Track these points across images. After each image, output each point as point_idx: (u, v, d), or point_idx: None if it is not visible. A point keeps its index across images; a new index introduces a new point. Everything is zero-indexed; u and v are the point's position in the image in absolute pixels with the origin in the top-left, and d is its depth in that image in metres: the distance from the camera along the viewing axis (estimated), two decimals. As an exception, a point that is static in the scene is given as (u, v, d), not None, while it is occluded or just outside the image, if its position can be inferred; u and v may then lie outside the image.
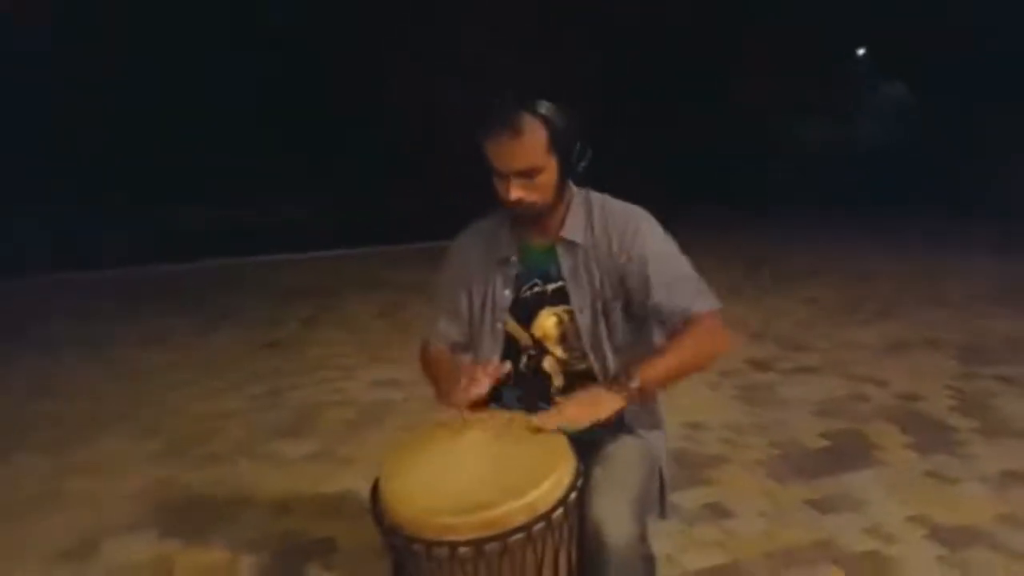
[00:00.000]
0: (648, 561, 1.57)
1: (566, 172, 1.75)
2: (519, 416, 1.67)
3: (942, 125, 14.30)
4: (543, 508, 1.42)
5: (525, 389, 1.89)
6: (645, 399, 1.71)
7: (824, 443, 3.52)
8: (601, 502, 1.55)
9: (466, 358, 1.96)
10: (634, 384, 1.63)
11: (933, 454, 3.34)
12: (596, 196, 1.85)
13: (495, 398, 1.87)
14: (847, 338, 5.22)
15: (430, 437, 1.67)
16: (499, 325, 1.87)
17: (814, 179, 13.72)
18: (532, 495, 1.42)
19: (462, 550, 1.37)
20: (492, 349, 1.89)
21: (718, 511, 2.89)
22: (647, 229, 1.79)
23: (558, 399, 1.80)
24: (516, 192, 1.71)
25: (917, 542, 2.64)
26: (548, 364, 1.87)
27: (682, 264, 1.80)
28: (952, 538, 2.65)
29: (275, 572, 2.60)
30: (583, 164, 1.76)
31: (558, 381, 1.87)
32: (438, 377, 1.86)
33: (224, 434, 3.86)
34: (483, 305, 1.89)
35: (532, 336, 1.87)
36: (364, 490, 3.14)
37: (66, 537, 2.88)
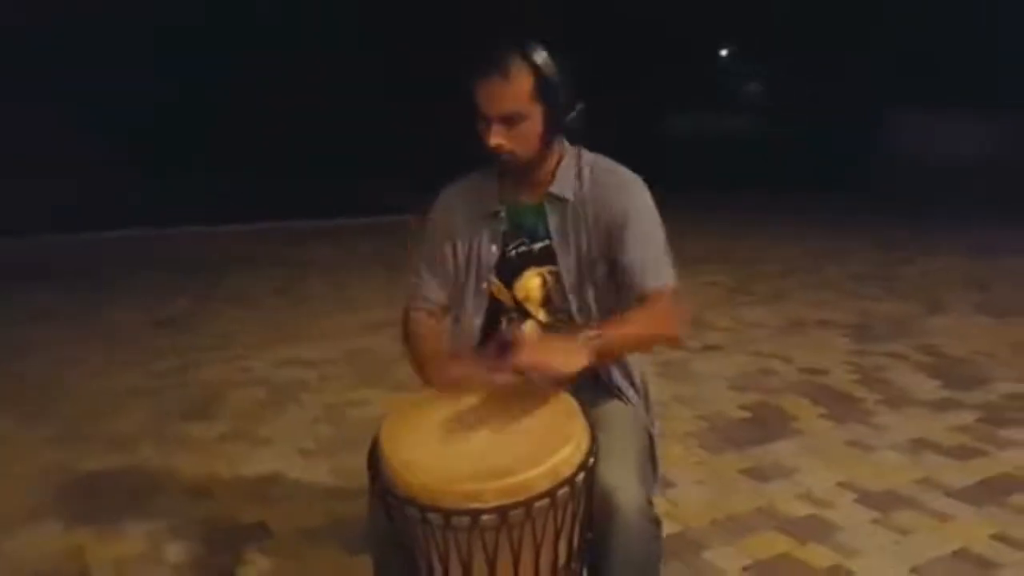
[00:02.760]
0: (657, 524, 1.52)
1: (552, 124, 1.66)
2: (523, 383, 1.56)
3: (795, 119, 15.29)
4: (566, 473, 1.34)
5: (503, 356, 1.79)
6: (603, 359, 1.60)
7: (745, 414, 3.61)
8: (609, 468, 1.48)
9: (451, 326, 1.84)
10: (596, 343, 1.51)
11: (847, 423, 3.49)
12: (588, 154, 1.78)
13: None
14: (746, 319, 5.40)
15: (427, 404, 1.55)
16: (484, 285, 1.77)
17: (695, 169, 14.25)
18: (554, 460, 1.33)
19: (485, 518, 1.28)
20: (475, 310, 1.78)
21: (660, 481, 2.89)
22: (635, 190, 1.73)
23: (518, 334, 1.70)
24: (496, 138, 1.62)
25: (850, 506, 2.74)
26: (529, 327, 1.77)
27: (657, 232, 1.73)
28: (881, 502, 2.76)
29: (206, 560, 2.39)
30: (571, 117, 1.67)
31: None
32: (430, 359, 1.73)
33: (124, 415, 3.55)
34: (468, 261, 1.78)
35: (514, 297, 1.77)
36: (289, 472, 3.01)
37: (-46, 530, 2.55)
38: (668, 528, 2.52)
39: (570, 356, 1.47)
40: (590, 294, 1.74)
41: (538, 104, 1.61)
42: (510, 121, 1.61)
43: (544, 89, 1.60)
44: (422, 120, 12.29)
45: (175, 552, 2.42)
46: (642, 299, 1.66)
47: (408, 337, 1.82)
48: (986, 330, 5.02)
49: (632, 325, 1.63)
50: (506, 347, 1.57)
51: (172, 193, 10.78)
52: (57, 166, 10.66)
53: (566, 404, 1.49)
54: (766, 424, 3.48)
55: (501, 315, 1.80)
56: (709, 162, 14.91)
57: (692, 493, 2.82)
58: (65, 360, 4.36)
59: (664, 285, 1.67)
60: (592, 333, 1.53)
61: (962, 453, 3.17)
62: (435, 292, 1.83)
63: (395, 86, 13.39)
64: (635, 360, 1.82)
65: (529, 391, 1.50)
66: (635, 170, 1.78)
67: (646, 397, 1.84)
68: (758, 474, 2.98)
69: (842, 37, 14.53)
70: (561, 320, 1.77)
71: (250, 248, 8.07)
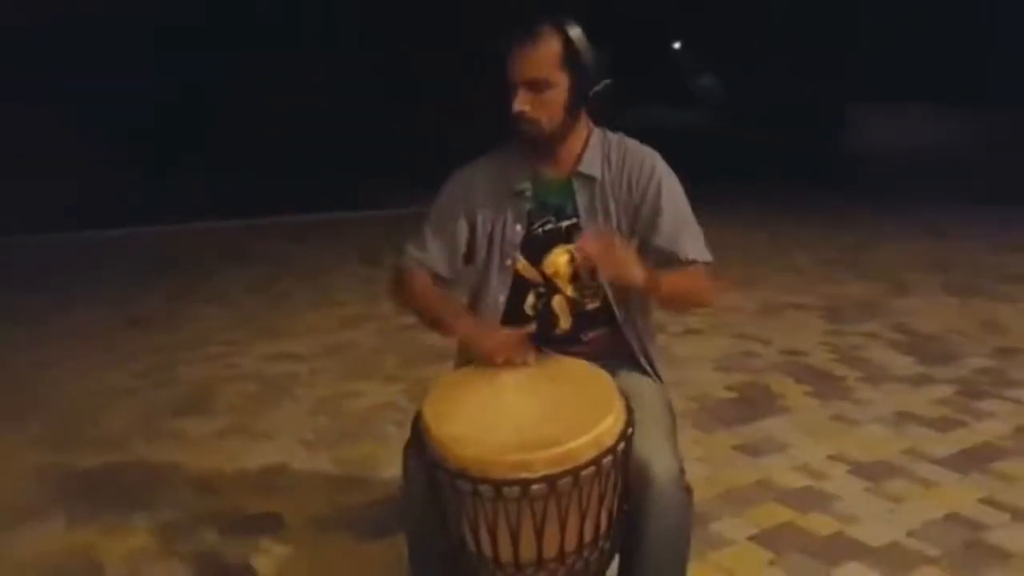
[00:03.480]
0: (689, 492, 1.58)
1: (577, 95, 1.70)
2: (551, 357, 1.62)
3: (749, 109, 15.56)
4: (609, 442, 1.39)
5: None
6: (651, 291, 1.68)
7: (732, 395, 3.70)
8: (645, 440, 1.53)
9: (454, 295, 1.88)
10: (653, 274, 1.63)
11: (831, 400, 3.59)
12: (611, 134, 1.83)
13: None
14: (722, 302, 5.49)
15: (464, 381, 1.59)
16: (508, 262, 1.80)
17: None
18: (598, 430, 1.38)
19: (535, 487, 1.32)
20: (500, 286, 1.81)
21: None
22: (662, 169, 1.79)
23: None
24: (521, 103, 1.66)
25: (843, 477, 2.83)
26: (557, 303, 1.82)
27: (688, 211, 1.81)
28: (871, 472, 2.86)
29: (218, 553, 2.39)
30: (598, 92, 1.71)
31: (565, 322, 1.82)
32: (432, 308, 1.78)
33: (112, 414, 3.51)
34: (490, 240, 1.81)
35: (542, 273, 1.81)
36: (294, 464, 3.02)
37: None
38: (673, 503, 2.61)
39: (629, 266, 1.57)
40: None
41: (565, 73, 1.66)
42: (536, 87, 1.65)
43: (572, 58, 1.65)
44: (405, 118, 12.35)
45: (187, 545, 2.42)
46: (686, 267, 1.75)
47: (413, 291, 1.83)
48: (952, 309, 5.19)
49: (681, 281, 1.73)
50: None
51: (143, 193, 10.58)
52: (42, 166, 10.41)
53: (602, 378, 1.54)
54: (753, 403, 3.57)
55: (527, 291, 1.83)
56: (670, 154, 15.11)
57: (692, 469, 2.81)
58: (39, 362, 4.28)
59: (703, 261, 1.77)
60: (656, 276, 1.63)
61: (943, 425, 3.30)
62: (437, 263, 1.84)
63: (381, 86, 13.38)
64: (656, 348, 1.88)
65: (565, 366, 1.54)
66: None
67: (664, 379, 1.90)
68: (752, 450, 3.07)
69: (801, 32, 14.85)
70: (588, 295, 1.81)
71: (221, 246, 7.97)
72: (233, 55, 12.86)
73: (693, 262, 1.76)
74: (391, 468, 2.77)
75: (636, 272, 1.57)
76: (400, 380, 3.89)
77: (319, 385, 3.85)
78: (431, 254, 1.83)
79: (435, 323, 1.79)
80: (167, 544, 2.43)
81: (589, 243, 1.55)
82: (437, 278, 1.85)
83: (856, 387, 3.76)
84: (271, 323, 5.01)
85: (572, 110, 1.71)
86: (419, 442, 1.46)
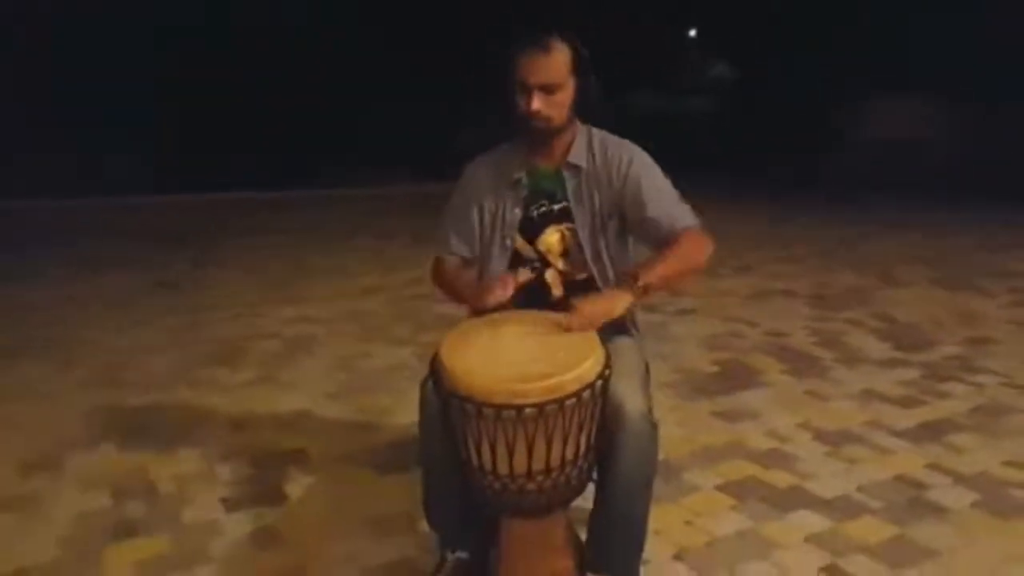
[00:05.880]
0: (655, 427, 1.90)
1: (580, 98, 2.04)
2: (545, 315, 1.96)
3: (761, 101, 15.74)
4: (589, 379, 1.72)
5: (526, 298, 2.16)
6: (647, 296, 2.00)
7: (716, 369, 4.02)
8: (619, 383, 1.86)
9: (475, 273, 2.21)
10: (640, 283, 1.94)
11: (806, 378, 3.91)
12: (595, 130, 2.16)
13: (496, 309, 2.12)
14: (717, 288, 5.82)
15: (474, 329, 1.92)
16: (508, 241, 2.14)
17: (664, 147, 14.67)
18: (580, 369, 1.71)
19: (528, 411, 1.65)
20: (500, 262, 2.15)
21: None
22: (639, 158, 2.12)
23: (575, 302, 2.06)
24: (537, 103, 1.98)
25: (807, 442, 3.16)
26: (549, 276, 2.16)
27: (669, 186, 2.13)
28: (833, 439, 3.19)
29: (254, 478, 2.76)
30: (594, 96, 2.05)
31: (557, 291, 2.16)
32: (462, 286, 2.11)
33: (152, 364, 3.88)
34: (493, 223, 2.15)
35: (537, 250, 2.15)
36: (318, 410, 3.39)
37: (25, 453, 2.87)
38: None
39: (616, 302, 1.91)
40: (603, 246, 2.12)
41: (573, 77, 2.00)
42: (549, 90, 1.98)
43: (579, 66, 2.00)
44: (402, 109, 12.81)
45: (228, 472, 2.79)
46: (678, 234, 2.04)
47: (443, 277, 2.20)
48: (935, 300, 5.49)
49: (665, 266, 2.00)
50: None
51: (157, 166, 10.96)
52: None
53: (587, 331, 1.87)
54: (734, 377, 3.90)
55: (523, 266, 2.17)
56: (678, 141, 15.38)
57: (671, 431, 3.22)
58: (75, 321, 4.64)
59: (689, 225, 2.07)
60: (640, 284, 1.93)
61: (906, 402, 3.61)
62: (461, 247, 2.21)
63: (390, 83, 13.80)
64: (633, 308, 2.22)
65: (555, 320, 1.88)
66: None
67: (642, 337, 2.23)
68: (728, 417, 3.40)
69: (806, 25, 14.99)
70: (577, 268, 2.15)
71: (242, 216, 8.33)
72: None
73: (685, 229, 2.07)
74: (406, 416, 3.13)
75: (623, 304, 1.92)
76: (411, 344, 4.24)
77: (337, 345, 4.21)
78: (454, 241, 2.20)
79: (461, 299, 2.14)
80: (210, 470, 2.79)
81: (579, 321, 1.86)
82: (464, 261, 2.22)
83: (832, 367, 4.08)
84: (291, 289, 5.37)
85: (576, 108, 2.05)
86: (435, 375, 1.79)
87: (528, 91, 1.97)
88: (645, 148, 2.16)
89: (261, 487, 2.69)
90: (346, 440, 3.07)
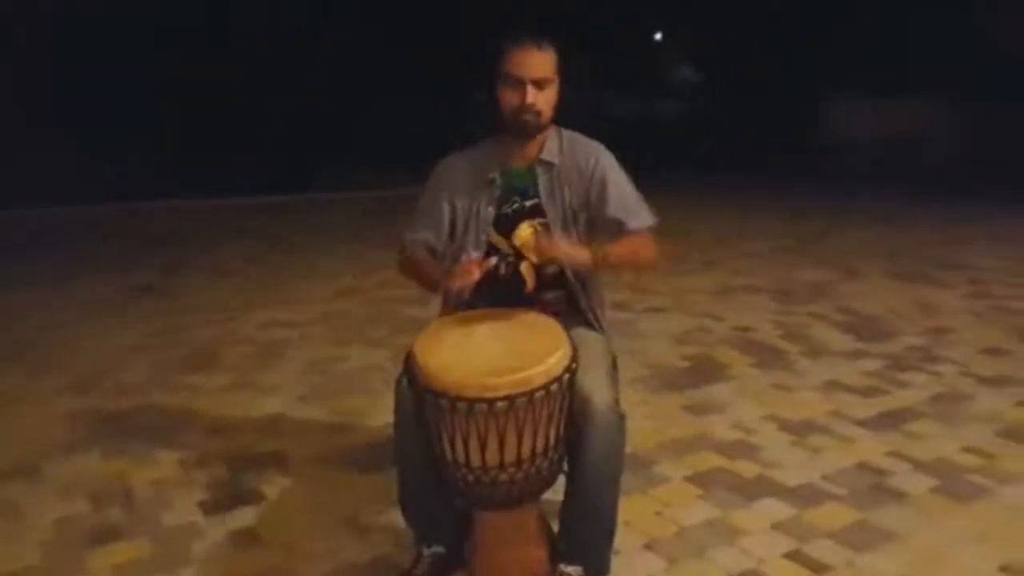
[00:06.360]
0: (623, 418, 1.98)
1: (562, 95, 2.14)
2: (514, 312, 2.03)
3: (726, 101, 16.01)
4: (556, 372, 1.80)
5: (501, 291, 2.23)
6: (602, 265, 2.12)
7: (685, 364, 4.12)
8: (586, 376, 1.94)
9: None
10: (601, 252, 2.07)
11: (772, 370, 4.02)
12: (564, 130, 2.25)
13: (470, 305, 2.19)
14: (684, 284, 5.93)
15: (446, 327, 1.99)
16: (483, 237, 2.21)
17: (631, 149, 14.87)
18: (547, 363, 1.79)
19: (499, 404, 1.72)
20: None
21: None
22: (606, 158, 2.22)
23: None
24: (532, 96, 2.07)
25: (772, 433, 3.26)
26: (524, 268, 2.23)
27: (631, 187, 2.24)
28: (797, 429, 3.29)
29: (232, 481, 2.79)
30: (571, 98, 2.16)
31: (530, 283, 2.24)
32: (430, 268, 2.19)
33: (128, 369, 3.90)
34: (467, 221, 2.22)
35: (511, 245, 2.22)
36: (294, 413, 3.43)
37: (2, 459, 2.90)
38: (623, 449, 3.03)
39: (577, 251, 2.05)
40: (574, 240, 2.19)
41: (557, 75, 2.11)
42: (541, 84, 2.08)
43: (562, 65, 2.11)
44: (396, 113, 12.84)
45: (205, 475, 2.82)
46: (632, 232, 2.17)
47: (407, 263, 2.28)
48: (895, 292, 5.64)
49: (624, 247, 2.15)
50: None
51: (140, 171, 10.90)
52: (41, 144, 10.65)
53: (552, 325, 1.95)
54: (702, 372, 4.00)
55: (500, 259, 2.24)
56: (645, 143, 15.58)
57: (641, 425, 3.30)
58: (53, 324, 4.64)
59: (645, 225, 2.20)
60: (599, 251, 2.07)
61: (868, 392, 3.72)
62: (428, 234, 2.27)
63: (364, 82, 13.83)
64: (600, 304, 2.30)
65: (524, 316, 1.96)
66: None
67: (608, 332, 2.31)
68: (696, 410, 3.49)
69: (770, 26, 15.29)
70: (548, 263, 2.22)
71: (217, 221, 8.32)
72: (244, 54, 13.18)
73: (638, 230, 2.17)
74: (380, 417, 3.18)
75: (581, 254, 2.05)
76: (385, 346, 4.29)
77: (312, 348, 4.24)
78: (423, 234, 2.27)
79: (430, 283, 2.20)
80: (187, 475, 2.83)
81: (540, 244, 1.99)
82: (431, 251, 2.27)
83: (796, 360, 4.19)
84: (265, 293, 5.39)
85: (558, 106, 2.15)
86: (410, 372, 1.86)
87: (522, 85, 2.06)
88: (614, 149, 2.27)
89: (239, 489, 2.73)
90: (323, 442, 3.11)
